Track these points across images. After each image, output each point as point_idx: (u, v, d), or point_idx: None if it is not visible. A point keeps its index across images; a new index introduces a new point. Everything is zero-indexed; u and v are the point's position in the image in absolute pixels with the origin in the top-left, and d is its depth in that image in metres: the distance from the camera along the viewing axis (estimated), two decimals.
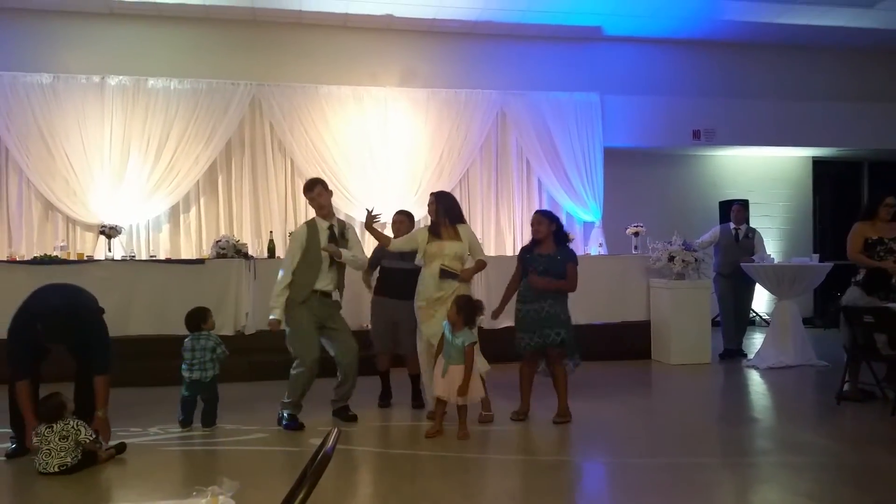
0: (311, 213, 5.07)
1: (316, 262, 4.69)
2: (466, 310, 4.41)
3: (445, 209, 4.83)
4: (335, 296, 4.81)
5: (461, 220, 4.93)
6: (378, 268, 5.31)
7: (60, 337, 3.94)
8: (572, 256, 4.92)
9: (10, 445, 4.10)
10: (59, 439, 3.73)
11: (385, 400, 5.34)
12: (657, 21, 8.85)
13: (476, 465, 4.00)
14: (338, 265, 4.80)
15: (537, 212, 5.21)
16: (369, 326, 5.49)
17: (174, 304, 6.23)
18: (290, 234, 5.05)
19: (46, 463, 3.71)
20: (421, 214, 8.60)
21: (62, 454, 3.72)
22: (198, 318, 4.77)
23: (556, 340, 4.70)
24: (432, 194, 5.00)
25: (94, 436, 3.85)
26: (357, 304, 6.28)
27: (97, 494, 3.55)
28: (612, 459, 4.20)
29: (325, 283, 4.71)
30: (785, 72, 9.86)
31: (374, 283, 5.36)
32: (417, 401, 5.25)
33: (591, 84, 9.09)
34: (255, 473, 3.72)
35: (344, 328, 4.82)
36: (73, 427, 3.76)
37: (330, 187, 8.25)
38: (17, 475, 3.81)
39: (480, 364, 4.67)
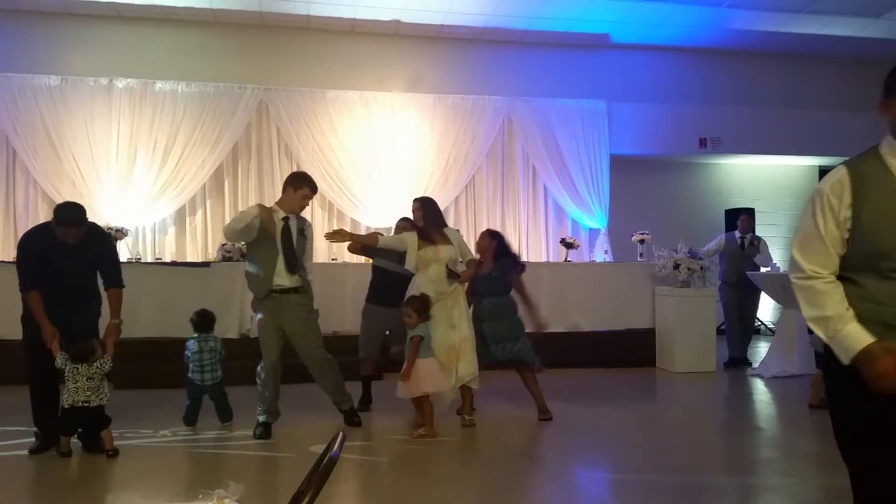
0: (313, 216, 5.05)
1: (271, 254, 4.39)
2: (419, 306, 4.47)
3: (433, 215, 4.81)
4: (300, 293, 4.48)
5: (444, 224, 4.91)
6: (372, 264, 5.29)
7: (72, 220, 3.98)
8: (512, 268, 5.02)
9: (34, 442, 4.13)
10: (87, 379, 3.94)
11: (364, 405, 5.28)
12: (664, 29, 8.86)
13: (476, 468, 3.99)
14: (296, 259, 4.47)
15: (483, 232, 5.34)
16: (335, 332, 5.41)
17: (180, 307, 6.23)
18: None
19: (72, 398, 3.90)
20: None
21: (87, 393, 3.93)
22: (212, 319, 4.82)
23: (514, 353, 4.89)
24: (416, 200, 4.92)
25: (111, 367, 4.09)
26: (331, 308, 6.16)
27: (102, 497, 3.55)
28: (614, 466, 4.18)
29: (282, 279, 4.42)
30: (791, 80, 9.85)
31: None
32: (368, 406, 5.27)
33: (598, 91, 9.10)
34: (259, 477, 3.71)
35: (304, 331, 4.51)
36: (98, 365, 3.97)
37: (336, 191, 8.41)
38: (36, 471, 3.81)
39: (466, 371, 4.67)
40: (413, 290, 4.71)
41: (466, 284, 4.87)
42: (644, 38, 9.17)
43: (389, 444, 4.48)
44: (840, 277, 1.88)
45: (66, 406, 3.96)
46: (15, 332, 6.07)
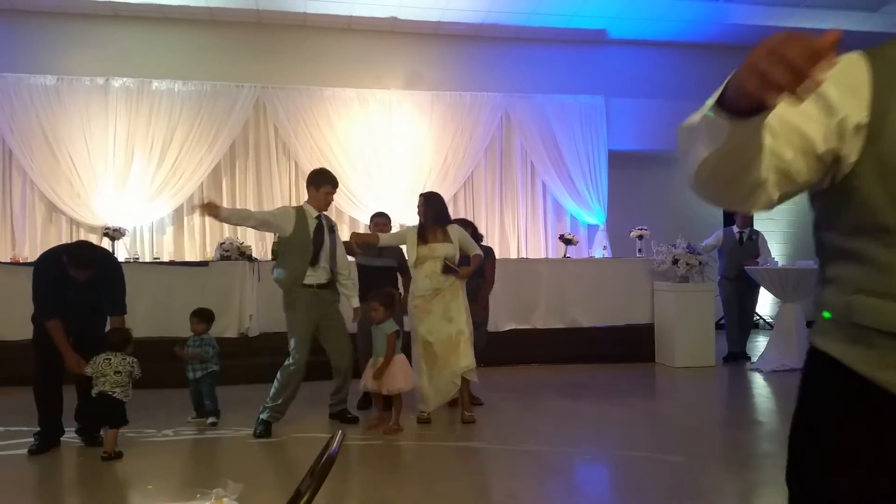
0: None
1: (305, 251, 4.50)
2: (386, 300, 4.56)
3: (435, 212, 4.84)
4: (331, 289, 4.63)
5: (449, 221, 4.93)
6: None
7: (86, 264, 4.10)
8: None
9: (33, 442, 4.15)
10: (115, 373, 4.05)
11: (366, 403, 5.27)
12: (662, 24, 8.86)
13: (477, 463, 3.99)
14: (331, 256, 4.63)
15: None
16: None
17: (178, 307, 6.24)
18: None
19: (101, 388, 4.01)
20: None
21: (115, 387, 4.02)
22: (212, 316, 4.95)
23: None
24: (422, 195, 4.97)
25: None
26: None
27: (101, 498, 3.54)
28: (615, 461, 4.18)
29: (318, 276, 4.53)
30: None
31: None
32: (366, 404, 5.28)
33: (596, 87, 9.10)
34: (258, 476, 3.71)
35: (339, 327, 4.69)
36: (129, 363, 4.10)
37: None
38: (37, 471, 3.81)
39: (462, 364, 4.72)
40: (412, 284, 4.82)
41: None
42: (642, 34, 9.16)
43: (389, 440, 4.47)
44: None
45: (93, 395, 4.07)
46: (13, 332, 6.10)
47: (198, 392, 4.85)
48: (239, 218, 4.71)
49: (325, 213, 4.73)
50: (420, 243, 4.76)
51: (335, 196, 8.66)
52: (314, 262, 4.51)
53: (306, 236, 4.52)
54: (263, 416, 4.49)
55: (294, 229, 4.52)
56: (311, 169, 7.93)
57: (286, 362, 4.50)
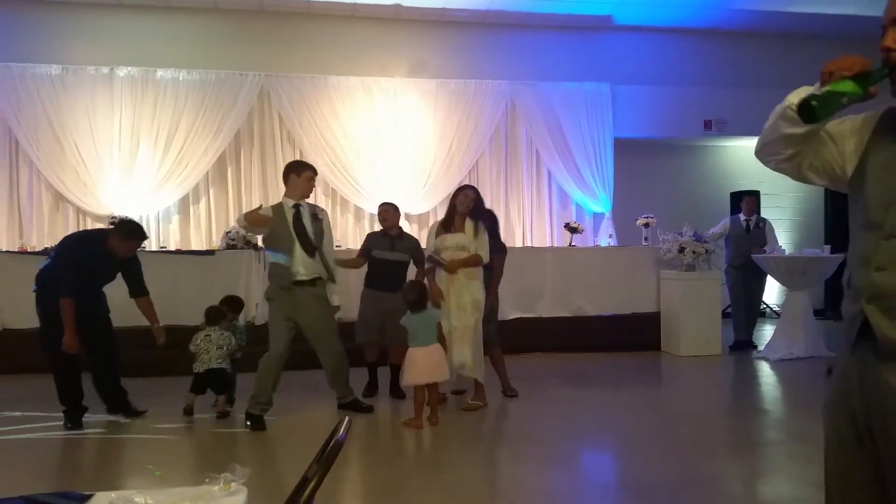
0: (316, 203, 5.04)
1: (289, 242, 4.42)
2: (408, 293, 4.53)
3: (451, 206, 4.92)
4: (318, 285, 4.50)
5: (469, 214, 4.88)
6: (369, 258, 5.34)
7: (143, 236, 4.65)
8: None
9: (63, 419, 4.41)
10: (217, 348, 4.62)
11: (371, 391, 5.32)
12: (667, 10, 8.78)
13: (482, 450, 4.00)
14: (318, 252, 4.54)
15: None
16: (339, 319, 5.44)
17: (184, 295, 6.27)
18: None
19: (204, 366, 4.60)
20: (430, 206, 8.62)
21: (219, 360, 4.62)
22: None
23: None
24: (475, 190, 5.01)
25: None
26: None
27: (109, 482, 3.57)
28: (619, 450, 4.19)
29: (297, 269, 4.41)
30: (796, 61, 9.70)
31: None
32: (397, 392, 5.25)
33: (602, 74, 9.03)
34: (265, 462, 3.73)
35: (317, 326, 4.50)
36: (226, 337, 4.67)
37: (339, 178, 8.40)
38: (49, 455, 3.85)
39: (463, 358, 4.73)
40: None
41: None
42: (647, 20, 9.08)
43: (395, 429, 4.49)
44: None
45: (199, 372, 4.62)
46: (21, 321, 6.15)
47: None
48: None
49: (307, 201, 4.62)
50: (440, 232, 4.87)
51: (340, 186, 8.71)
52: (293, 252, 4.41)
53: (285, 227, 4.43)
54: (254, 410, 4.41)
55: (273, 223, 4.42)
56: (315, 157, 8.10)
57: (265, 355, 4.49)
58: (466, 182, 8.82)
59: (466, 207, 4.82)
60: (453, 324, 4.71)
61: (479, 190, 5.28)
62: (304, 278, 4.44)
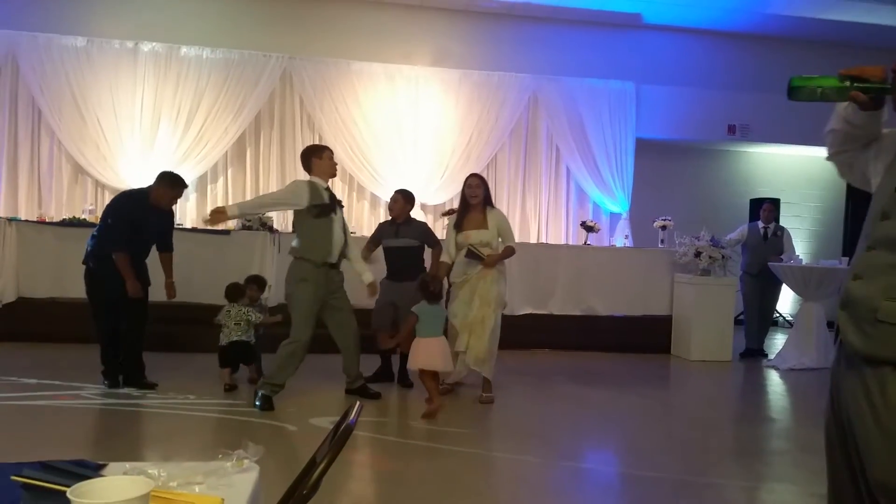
0: (334, 190, 5.03)
1: (326, 228, 4.46)
2: (421, 287, 4.56)
3: (464, 198, 4.95)
4: (338, 268, 4.63)
5: (491, 203, 5.00)
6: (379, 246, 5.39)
7: (184, 185, 4.99)
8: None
9: (105, 382, 4.71)
10: (234, 324, 4.89)
11: (383, 377, 5.32)
12: (698, 11, 8.66)
13: (487, 444, 3.99)
14: (345, 234, 4.64)
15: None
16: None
17: (200, 273, 6.29)
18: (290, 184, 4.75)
19: (227, 339, 4.87)
20: (446, 197, 8.59)
21: (239, 333, 4.89)
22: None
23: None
24: (476, 175, 5.04)
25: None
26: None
27: (126, 452, 3.60)
28: (625, 450, 4.17)
29: (334, 252, 4.51)
30: (827, 69, 9.25)
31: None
32: (406, 380, 5.26)
33: (627, 72, 8.94)
34: (274, 443, 3.74)
35: (345, 307, 4.66)
36: (245, 313, 4.92)
37: (357, 164, 8.39)
38: (63, 426, 3.88)
39: (471, 353, 4.79)
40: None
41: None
42: (677, 20, 8.97)
43: (404, 419, 4.50)
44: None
45: (223, 345, 4.89)
46: (40, 290, 6.21)
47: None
48: (252, 209, 4.99)
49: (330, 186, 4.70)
50: (457, 231, 4.88)
51: (358, 172, 8.68)
52: (332, 232, 4.47)
53: (322, 208, 4.47)
54: (263, 390, 4.42)
55: (309, 201, 4.45)
56: (335, 142, 8.08)
57: (287, 340, 4.43)
58: (484, 174, 8.78)
59: (476, 198, 4.86)
60: (474, 314, 4.73)
61: (497, 183, 5.30)
62: (335, 260, 4.55)
